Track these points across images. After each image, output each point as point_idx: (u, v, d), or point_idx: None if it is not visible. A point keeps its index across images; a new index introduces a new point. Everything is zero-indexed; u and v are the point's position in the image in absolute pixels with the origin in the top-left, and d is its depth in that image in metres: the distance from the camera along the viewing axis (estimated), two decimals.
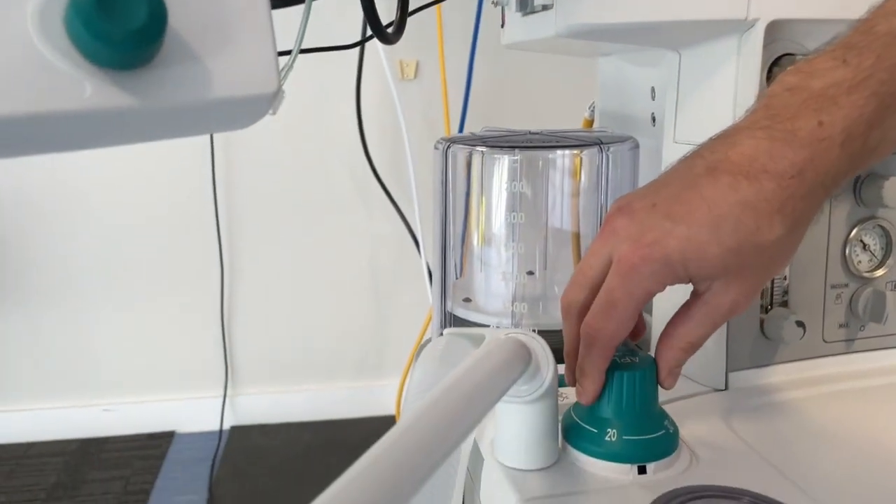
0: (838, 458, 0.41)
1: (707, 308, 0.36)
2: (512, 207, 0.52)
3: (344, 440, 1.84)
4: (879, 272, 0.50)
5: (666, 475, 0.38)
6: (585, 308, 0.37)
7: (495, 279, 0.55)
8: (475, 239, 0.55)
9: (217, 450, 1.79)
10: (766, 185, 0.33)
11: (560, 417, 0.41)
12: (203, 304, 1.78)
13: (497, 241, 0.54)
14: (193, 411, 1.86)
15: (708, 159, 0.35)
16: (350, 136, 1.59)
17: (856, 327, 0.50)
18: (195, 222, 1.71)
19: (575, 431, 0.40)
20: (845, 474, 0.39)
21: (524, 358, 0.30)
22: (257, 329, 1.83)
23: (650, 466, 0.38)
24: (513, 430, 0.39)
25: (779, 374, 0.49)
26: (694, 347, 0.39)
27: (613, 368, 0.39)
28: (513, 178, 0.51)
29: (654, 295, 0.36)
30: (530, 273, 0.61)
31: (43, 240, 1.70)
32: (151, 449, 1.81)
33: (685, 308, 0.38)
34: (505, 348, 0.29)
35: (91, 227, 1.70)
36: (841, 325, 0.50)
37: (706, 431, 0.43)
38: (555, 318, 0.55)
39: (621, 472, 0.38)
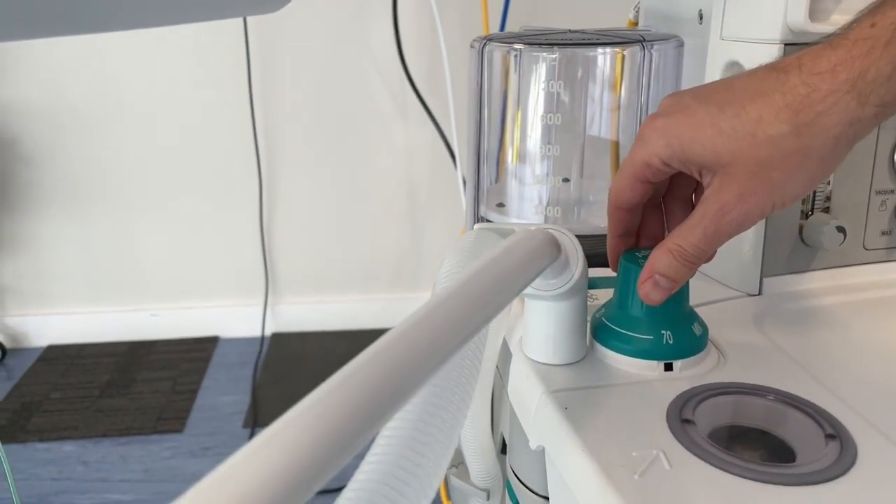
0: (870, 363, 0.41)
1: (701, 208, 0.34)
2: (549, 108, 0.51)
3: None
4: None
5: (692, 373, 0.39)
6: None
7: (529, 183, 0.54)
8: (510, 142, 0.54)
9: (259, 355, 1.87)
10: (791, 78, 0.31)
11: (589, 318, 0.42)
12: (243, 216, 1.82)
13: (532, 144, 0.53)
14: (236, 318, 1.93)
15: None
16: (387, 46, 1.56)
17: None
18: (234, 133, 1.72)
19: (603, 330, 0.40)
20: (877, 379, 0.39)
21: (552, 249, 0.30)
22: (296, 240, 1.86)
23: (677, 364, 0.39)
24: (541, 327, 0.39)
25: (816, 281, 0.48)
26: (683, 255, 0.35)
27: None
28: (550, 77, 0.50)
29: (656, 171, 0.35)
30: (566, 180, 0.60)
31: (90, 150, 1.73)
32: (197, 352, 1.89)
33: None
34: (534, 239, 0.29)
35: (135, 139, 1.73)
36: (884, 233, 0.49)
37: (736, 333, 0.43)
38: (588, 223, 0.55)
39: (647, 369, 0.39)
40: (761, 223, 0.46)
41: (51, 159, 1.72)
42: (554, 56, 0.49)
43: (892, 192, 0.48)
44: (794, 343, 0.42)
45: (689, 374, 0.39)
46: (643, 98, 0.51)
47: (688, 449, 0.32)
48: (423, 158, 1.76)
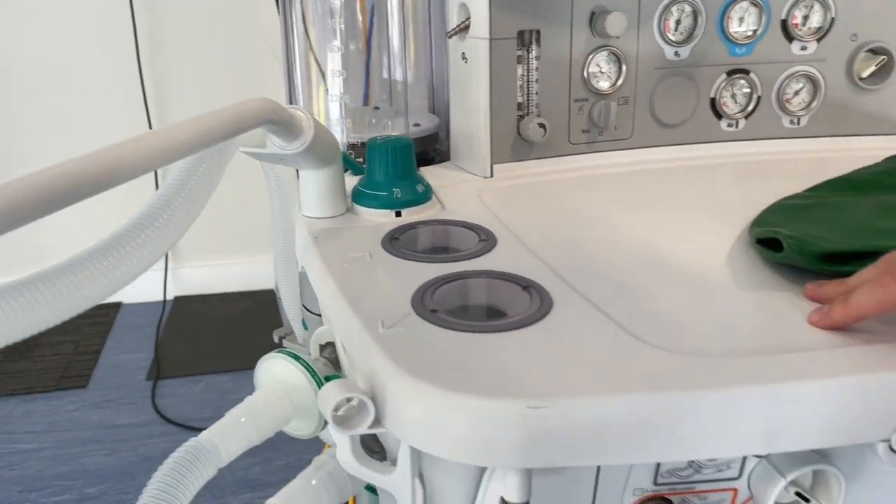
0: (548, 215, 0.57)
1: None
2: (334, 41, 0.66)
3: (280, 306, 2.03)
4: (611, 90, 0.66)
5: (414, 217, 0.55)
6: None
7: (331, 103, 0.70)
8: (313, 72, 0.69)
9: (161, 316, 1.96)
10: None
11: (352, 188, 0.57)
12: (140, 182, 1.90)
13: (329, 71, 0.68)
14: (138, 283, 2.00)
15: None
16: (273, 18, 1.68)
17: (595, 132, 0.67)
18: (126, 104, 1.80)
19: (357, 192, 0.56)
20: (532, 217, 0.56)
21: (277, 115, 0.45)
22: None
23: (404, 211, 0.55)
24: (310, 190, 0.55)
25: (534, 167, 0.65)
26: None
27: (380, 144, 0.55)
28: (331, 16, 0.65)
29: None
30: (376, 108, 0.76)
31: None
32: (100, 317, 1.97)
33: None
34: (256, 104, 0.43)
35: (28, 106, 1.78)
36: (584, 131, 0.66)
37: (461, 197, 0.59)
38: (373, 131, 0.71)
39: (384, 216, 0.55)
40: (488, 118, 0.63)
41: None
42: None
43: (587, 100, 0.66)
44: (497, 202, 0.58)
45: (412, 218, 0.55)
46: (408, 34, 0.67)
47: (387, 251, 0.48)
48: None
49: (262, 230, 2.05)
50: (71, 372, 1.73)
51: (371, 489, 0.52)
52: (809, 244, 0.42)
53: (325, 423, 0.45)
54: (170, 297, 2.05)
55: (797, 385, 0.33)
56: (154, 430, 1.54)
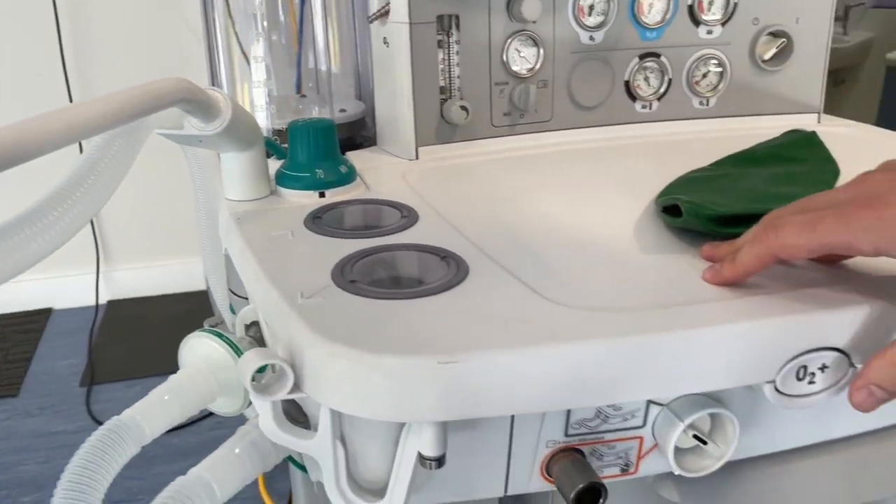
0: (471, 194, 0.59)
1: None
2: (257, 29, 0.67)
3: None
4: (530, 73, 0.68)
5: (338, 197, 0.56)
6: None
7: (255, 89, 0.70)
8: (236, 58, 0.69)
9: (94, 321, 1.91)
10: None
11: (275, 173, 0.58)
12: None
13: (253, 57, 0.68)
14: (70, 289, 1.95)
15: None
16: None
17: (516, 115, 0.69)
18: (46, 92, 1.75)
19: (280, 175, 0.57)
20: (469, 206, 0.57)
21: (192, 94, 0.45)
22: (124, 205, 1.91)
23: (328, 192, 0.56)
24: (231, 173, 0.55)
25: (458, 149, 0.67)
26: None
27: (302, 126, 0.55)
28: (252, 6, 0.66)
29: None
30: (303, 95, 0.76)
31: None
32: (30, 324, 1.91)
33: None
34: (169, 84, 0.44)
35: None
36: (506, 114, 0.68)
37: (385, 178, 0.61)
38: (298, 114, 0.71)
39: (307, 196, 0.55)
40: (411, 102, 0.64)
41: None
42: None
43: (507, 83, 0.68)
44: (420, 182, 0.60)
45: (336, 198, 0.56)
46: (331, 22, 0.68)
47: (308, 228, 0.49)
48: None
49: (196, 230, 2.02)
50: (0, 381, 1.68)
51: (301, 467, 0.53)
52: (705, 208, 0.45)
53: (251, 400, 0.46)
54: (102, 301, 2.00)
55: (690, 333, 0.36)
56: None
